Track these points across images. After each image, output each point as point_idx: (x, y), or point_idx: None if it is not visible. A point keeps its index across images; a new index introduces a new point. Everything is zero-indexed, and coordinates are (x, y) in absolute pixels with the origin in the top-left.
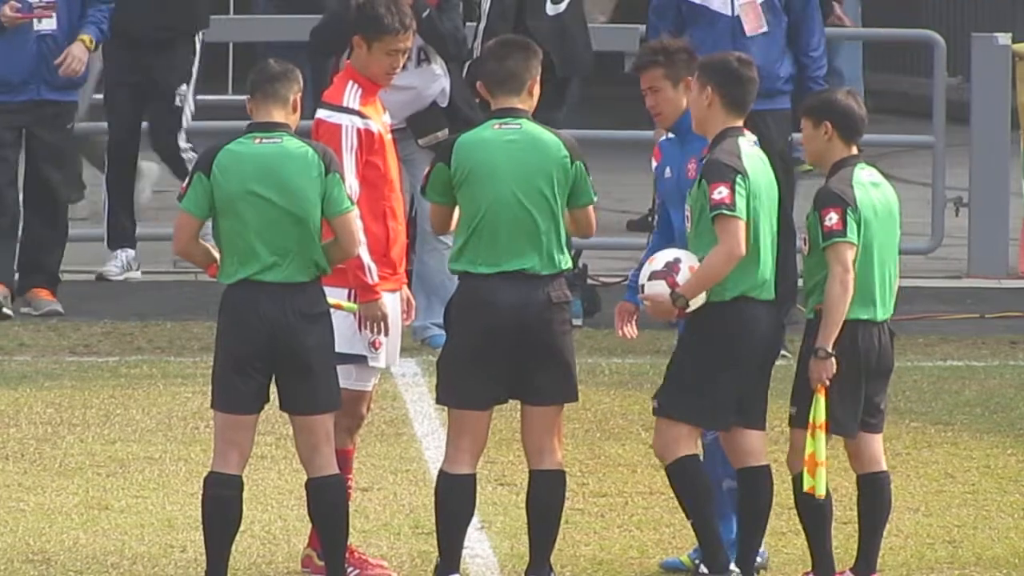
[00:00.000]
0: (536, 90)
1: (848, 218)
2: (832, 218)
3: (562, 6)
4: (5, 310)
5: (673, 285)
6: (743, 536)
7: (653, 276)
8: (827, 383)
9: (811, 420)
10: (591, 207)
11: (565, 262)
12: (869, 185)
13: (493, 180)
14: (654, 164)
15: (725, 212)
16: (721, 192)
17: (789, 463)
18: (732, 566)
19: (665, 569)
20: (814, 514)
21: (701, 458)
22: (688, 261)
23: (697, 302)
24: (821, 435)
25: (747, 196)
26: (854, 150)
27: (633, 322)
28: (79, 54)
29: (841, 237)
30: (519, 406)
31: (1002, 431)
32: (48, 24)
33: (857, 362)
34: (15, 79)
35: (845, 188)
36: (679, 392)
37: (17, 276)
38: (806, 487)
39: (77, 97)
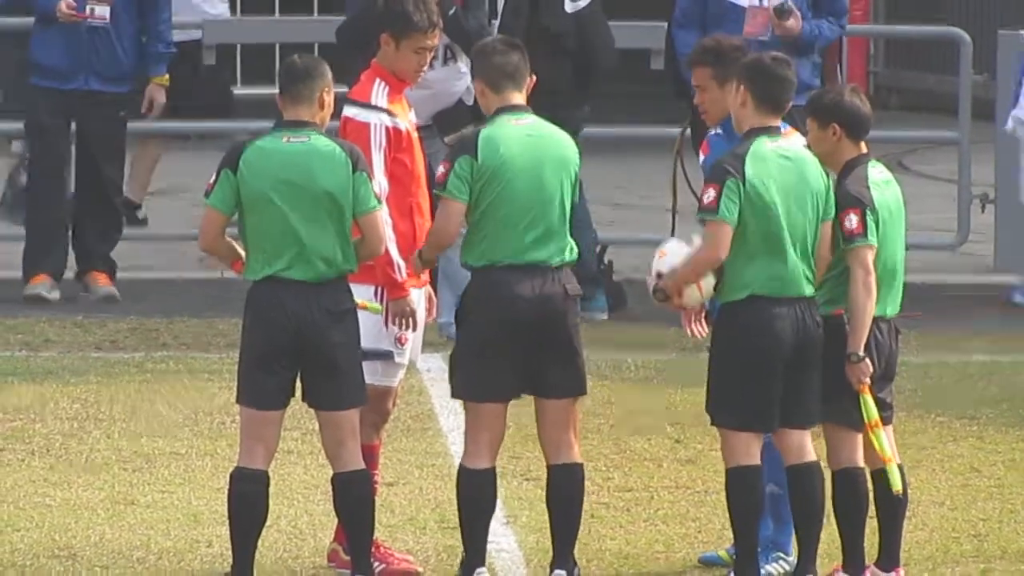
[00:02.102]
0: (530, 86)
1: (868, 220)
2: (852, 220)
3: (582, 3)
4: (48, 296)
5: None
6: (800, 538)
7: (658, 276)
8: (868, 382)
9: (865, 421)
10: None
11: (572, 253)
12: (882, 184)
13: (520, 175)
14: (701, 158)
15: (707, 216)
16: (708, 195)
17: (827, 458)
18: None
19: (703, 563)
20: (850, 511)
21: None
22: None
23: (691, 299)
24: (879, 432)
25: (738, 199)
26: (863, 148)
27: (702, 321)
28: (161, 99)
29: (862, 240)
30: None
31: None
32: (101, 15)
33: (871, 358)
34: (63, 67)
35: (863, 189)
36: (714, 397)
37: (76, 263)
38: (894, 489)
39: (126, 88)
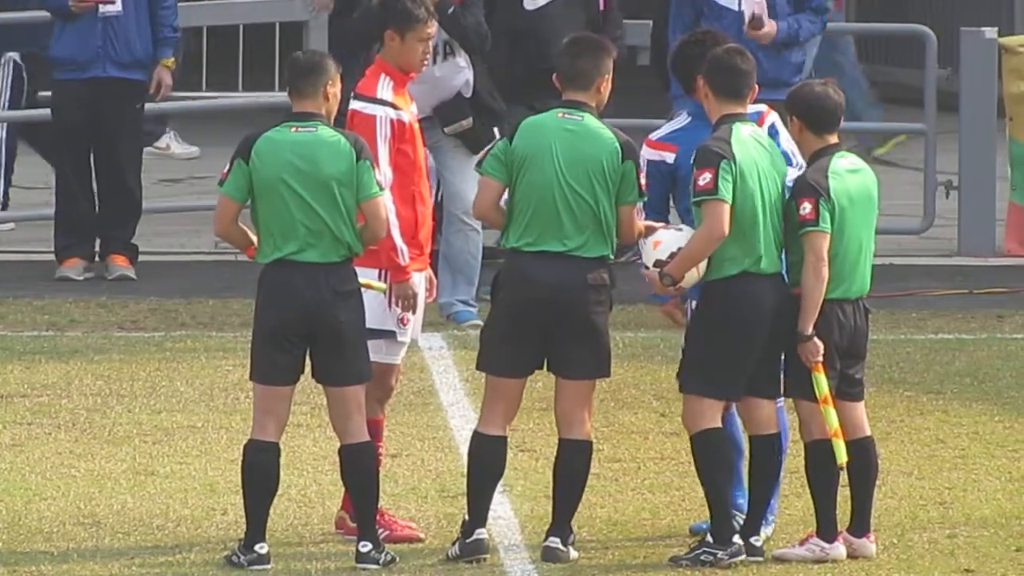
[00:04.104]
0: (605, 87)
1: (821, 208)
2: (806, 208)
3: (542, 1)
4: (78, 279)
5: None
6: (752, 502)
7: (658, 264)
8: (819, 360)
9: (816, 396)
10: (635, 208)
11: (607, 249)
12: (846, 173)
13: (545, 162)
14: (672, 156)
15: (706, 197)
16: (704, 177)
17: (800, 431)
18: (736, 538)
19: (693, 532)
20: (824, 479)
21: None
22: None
23: (691, 279)
24: (827, 408)
25: (732, 180)
26: (832, 139)
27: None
28: (168, 80)
29: (813, 227)
30: (541, 378)
31: (990, 399)
32: (113, 5)
33: (831, 337)
34: (81, 58)
35: (820, 179)
36: (692, 367)
37: (98, 246)
38: (838, 462)
39: (143, 76)
